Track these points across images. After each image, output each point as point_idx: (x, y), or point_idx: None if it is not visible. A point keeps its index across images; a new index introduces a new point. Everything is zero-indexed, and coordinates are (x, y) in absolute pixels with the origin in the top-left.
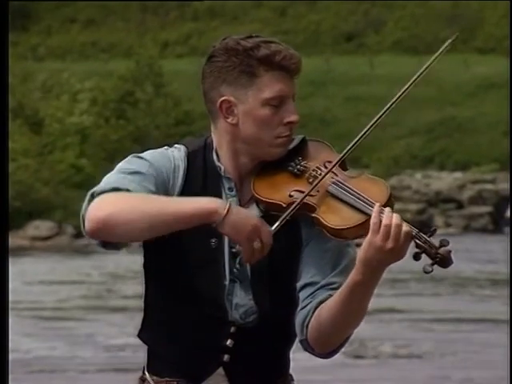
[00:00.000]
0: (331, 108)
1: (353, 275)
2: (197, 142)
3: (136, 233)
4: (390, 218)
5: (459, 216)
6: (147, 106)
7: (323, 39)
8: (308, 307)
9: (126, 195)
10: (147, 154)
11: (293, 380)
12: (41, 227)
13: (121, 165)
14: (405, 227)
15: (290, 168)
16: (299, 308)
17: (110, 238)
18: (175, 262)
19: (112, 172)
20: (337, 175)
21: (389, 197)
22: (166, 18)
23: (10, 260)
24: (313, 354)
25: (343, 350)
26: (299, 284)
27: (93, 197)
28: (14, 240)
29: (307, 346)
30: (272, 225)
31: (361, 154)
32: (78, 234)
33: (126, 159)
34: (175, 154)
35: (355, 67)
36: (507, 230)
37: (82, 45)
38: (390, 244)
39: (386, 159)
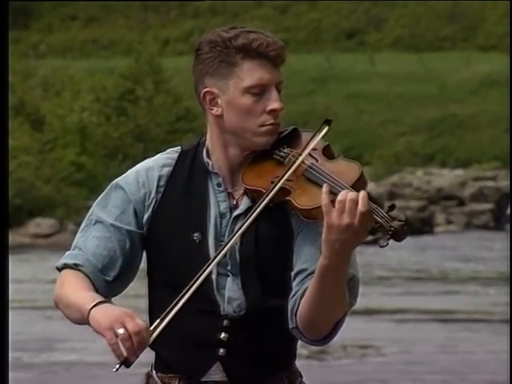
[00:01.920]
0: (332, 105)
1: (320, 260)
2: (192, 142)
3: (69, 319)
4: (345, 194)
5: (460, 213)
6: (148, 104)
7: (324, 37)
8: (296, 295)
9: (63, 280)
10: (122, 180)
11: (301, 377)
12: (42, 225)
13: (93, 207)
14: (361, 203)
15: (275, 156)
16: (290, 296)
17: None
18: (163, 261)
19: (84, 221)
20: (317, 160)
21: (358, 178)
22: (167, 15)
23: (11, 257)
24: (306, 342)
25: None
26: (293, 272)
27: (58, 270)
28: (15, 237)
29: (299, 334)
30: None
31: (362, 151)
32: None
33: (102, 195)
34: (151, 162)
35: (356, 64)
36: (508, 227)
37: (83, 42)
38: (345, 219)
39: (388, 156)
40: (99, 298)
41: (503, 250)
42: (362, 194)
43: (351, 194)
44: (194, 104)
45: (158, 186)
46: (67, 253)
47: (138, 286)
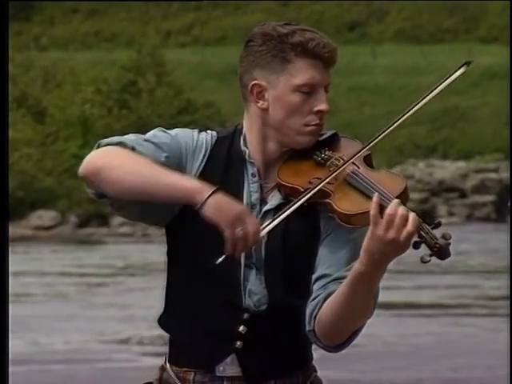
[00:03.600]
0: (334, 98)
1: (356, 266)
2: (228, 129)
3: (119, 191)
4: (395, 208)
5: (462, 205)
6: (149, 96)
7: (326, 29)
8: (317, 298)
9: (125, 154)
10: (173, 130)
11: (315, 371)
12: (44, 217)
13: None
14: (410, 222)
15: (315, 157)
16: (310, 299)
17: (94, 188)
18: (191, 246)
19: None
20: (358, 167)
21: (402, 191)
22: (168, 7)
23: (13, 250)
24: (320, 347)
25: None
26: (314, 276)
27: (99, 146)
28: (16, 230)
29: (314, 338)
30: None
31: (364, 142)
32: (81, 224)
33: (152, 131)
34: (201, 137)
35: (358, 57)
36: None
37: (85, 34)
38: (391, 234)
39: (389, 148)
40: (205, 184)
41: (505, 242)
42: (413, 214)
43: (402, 210)
44: (196, 96)
45: (198, 167)
46: (114, 138)
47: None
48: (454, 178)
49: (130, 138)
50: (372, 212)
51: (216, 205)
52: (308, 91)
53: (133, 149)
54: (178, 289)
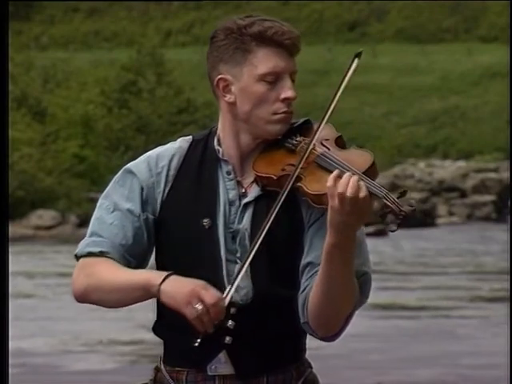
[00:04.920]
0: None
1: (327, 239)
2: (204, 131)
3: (109, 305)
4: (345, 185)
5: (462, 205)
6: (149, 95)
7: (326, 28)
8: (307, 290)
9: (94, 269)
10: (133, 166)
11: (310, 367)
12: (44, 216)
13: (107, 192)
14: (361, 191)
15: (286, 144)
16: (300, 291)
17: (94, 305)
18: (174, 247)
19: (98, 208)
20: (329, 149)
21: (370, 166)
22: (168, 7)
23: (13, 250)
24: (317, 338)
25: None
26: (302, 263)
27: (76, 256)
28: (17, 229)
29: (309, 329)
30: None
31: (364, 142)
32: (81, 224)
33: (115, 180)
34: (166, 147)
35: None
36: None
37: (85, 34)
38: (347, 207)
39: (390, 148)
40: (159, 273)
41: (505, 242)
42: (362, 182)
43: (353, 180)
44: (196, 96)
45: (167, 175)
46: (87, 240)
47: None
48: (454, 178)
49: (98, 230)
50: (328, 184)
51: (168, 292)
52: (272, 80)
53: (101, 252)
54: None
